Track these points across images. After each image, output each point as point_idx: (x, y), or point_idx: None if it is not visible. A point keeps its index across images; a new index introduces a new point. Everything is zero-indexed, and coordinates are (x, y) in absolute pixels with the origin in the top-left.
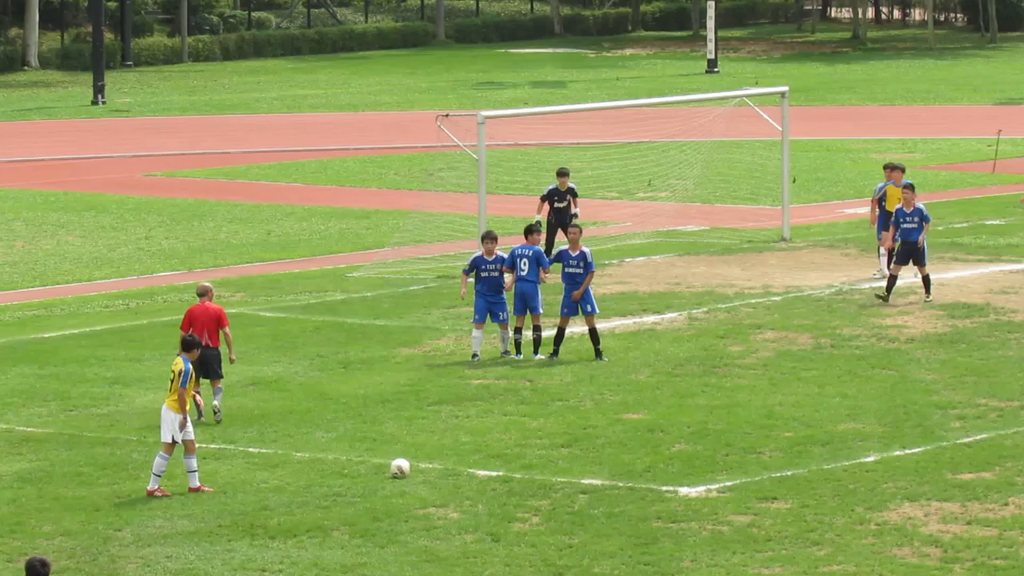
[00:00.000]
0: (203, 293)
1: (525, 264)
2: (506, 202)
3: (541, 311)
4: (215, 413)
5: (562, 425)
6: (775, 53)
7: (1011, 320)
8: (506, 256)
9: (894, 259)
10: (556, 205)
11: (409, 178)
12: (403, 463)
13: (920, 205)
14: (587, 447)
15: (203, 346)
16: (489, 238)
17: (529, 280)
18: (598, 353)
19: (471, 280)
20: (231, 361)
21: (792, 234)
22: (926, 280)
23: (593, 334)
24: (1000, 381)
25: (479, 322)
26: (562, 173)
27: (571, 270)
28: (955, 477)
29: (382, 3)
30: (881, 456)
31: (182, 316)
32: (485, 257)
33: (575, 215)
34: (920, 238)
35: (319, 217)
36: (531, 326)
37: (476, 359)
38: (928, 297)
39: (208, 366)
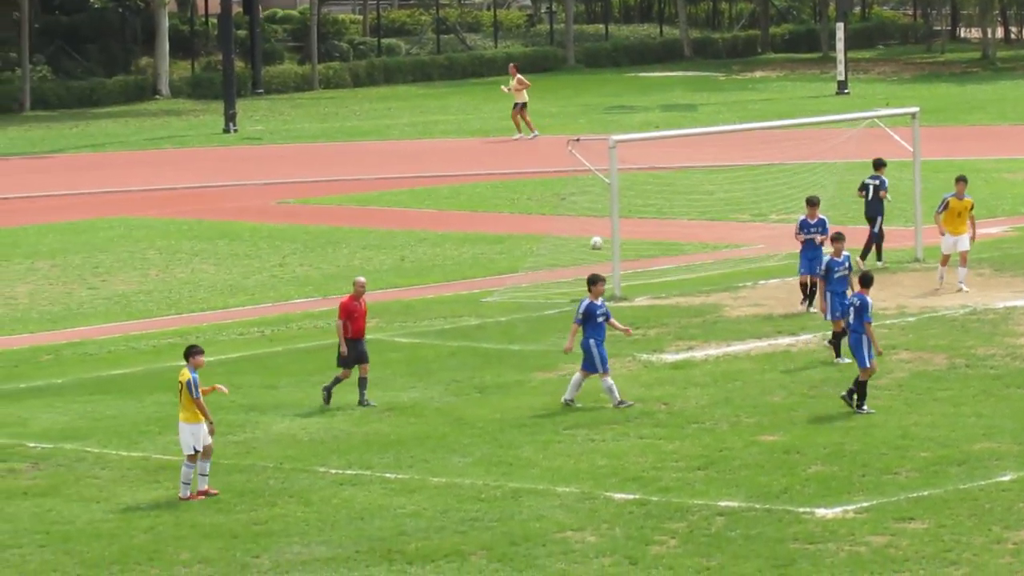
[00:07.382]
0: None
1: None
2: (639, 226)
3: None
4: None
5: (698, 447)
6: (905, 74)
7: None
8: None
9: None
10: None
11: (541, 203)
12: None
13: None
14: (723, 469)
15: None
16: (601, 281)
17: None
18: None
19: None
20: None
21: (925, 254)
22: None
23: None
24: None
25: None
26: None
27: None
28: None
29: (512, 28)
30: (1018, 475)
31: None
32: (594, 302)
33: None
34: None
35: (452, 242)
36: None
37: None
38: None
39: None
